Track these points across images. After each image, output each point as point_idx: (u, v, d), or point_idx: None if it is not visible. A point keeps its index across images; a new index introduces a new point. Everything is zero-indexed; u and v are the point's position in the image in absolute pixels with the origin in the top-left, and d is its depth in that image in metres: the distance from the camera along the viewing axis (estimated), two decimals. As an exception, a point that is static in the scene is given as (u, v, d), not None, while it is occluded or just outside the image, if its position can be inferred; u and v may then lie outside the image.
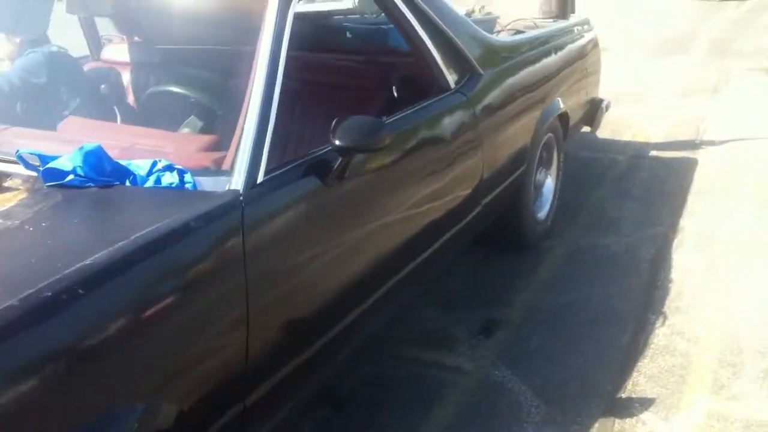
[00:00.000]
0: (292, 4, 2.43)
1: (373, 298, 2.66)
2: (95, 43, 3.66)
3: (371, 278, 2.65)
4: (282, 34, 2.33)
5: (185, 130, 2.68)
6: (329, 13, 3.56)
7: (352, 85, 3.26)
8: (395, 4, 2.99)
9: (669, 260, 4.11)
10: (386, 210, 2.73)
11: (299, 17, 3.51)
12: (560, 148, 4.45)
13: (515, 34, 4.73)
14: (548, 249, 4.27)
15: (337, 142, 2.25)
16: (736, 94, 7.54)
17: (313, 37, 3.44)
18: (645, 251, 4.23)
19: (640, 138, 6.21)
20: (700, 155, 5.74)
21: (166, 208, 1.94)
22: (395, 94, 3.23)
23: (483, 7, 4.45)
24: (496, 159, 3.46)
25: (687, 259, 4.12)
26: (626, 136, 6.26)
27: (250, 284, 1.99)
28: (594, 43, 5.04)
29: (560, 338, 3.40)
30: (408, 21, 3.03)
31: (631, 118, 6.73)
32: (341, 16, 3.62)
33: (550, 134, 4.26)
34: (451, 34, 3.22)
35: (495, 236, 4.05)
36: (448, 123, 3.15)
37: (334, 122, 2.28)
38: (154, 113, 2.83)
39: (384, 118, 2.90)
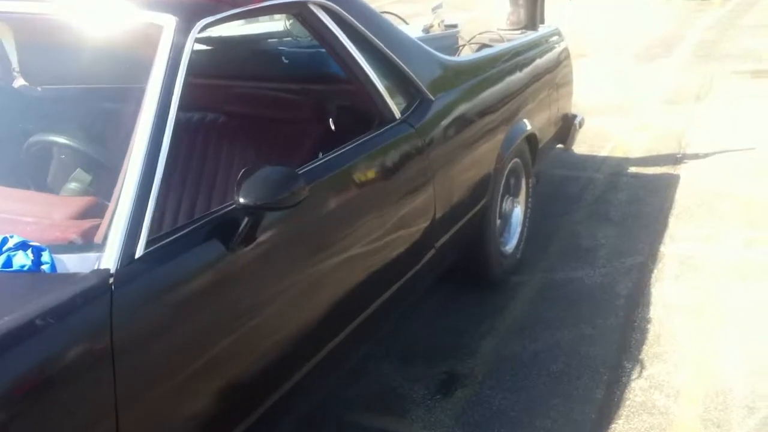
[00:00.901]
0: (191, 34, 2.06)
1: (301, 373, 2.30)
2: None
3: (297, 350, 2.29)
4: (176, 72, 1.96)
5: (72, 185, 2.31)
6: (258, 37, 3.19)
7: (285, 117, 2.90)
8: (326, 27, 2.63)
9: (647, 295, 3.76)
10: (316, 266, 2.37)
11: (222, 42, 3.19)
12: (529, 173, 4.09)
13: (480, 48, 4.40)
14: (517, 285, 3.91)
15: (241, 200, 1.89)
16: (720, 100, 7.21)
17: (239, 64, 3.09)
18: (622, 285, 3.87)
19: (619, 153, 5.86)
20: (682, 171, 5.40)
21: (13, 300, 1.57)
22: (333, 127, 2.86)
23: (443, 21, 4.09)
24: (451, 194, 3.11)
25: (667, 293, 3.77)
26: (605, 151, 5.91)
27: (121, 389, 1.61)
28: (565, 55, 4.69)
29: (527, 395, 3.04)
30: (342, 45, 2.68)
31: (610, 130, 6.40)
32: (274, 40, 3.25)
33: (516, 159, 3.90)
34: (394, 57, 2.86)
35: (458, 273, 3.70)
36: (392, 158, 2.79)
37: (240, 175, 1.92)
38: (33, 166, 2.45)
39: (320, 155, 2.57)
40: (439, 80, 3.13)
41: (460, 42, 4.56)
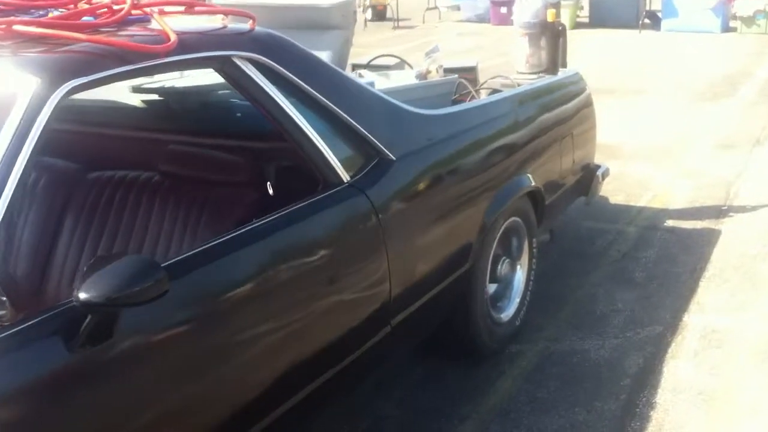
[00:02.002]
0: (52, 100, 1.80)
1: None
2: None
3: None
4: (20, 146, 1.70)
5: None
6: (203, 88, 2.93)
7: (218, 179, 2.62)
8: (255, 83, 2.35)
9: (657, 375, 3.33)
10: (232, 344, 2.09)
11: (163, 92, 2.95)
12: (533, 233, 3.71)
13: (492, 93, 4.08)
14: (514, 356, 3.53)
15: (81, 295, 1.61)
16: (781, 146, 6.67)
17: (178, 117, 2.83)
18: (631, 360, 3.45)
19: (658, 203, 5.40)
20: (724, 226, 4.92)
21: None
22: (271, 191, 2.57)
23: (440, 66, 3.77)
24: (413, 267, 2.78)
25: (681, 373, 3.33)
26: (642, 201, 5.46)
27: None
28: (586, 102, 4.31)
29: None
30: (275, 103, 2.40)
31: (653, 177, 5.95)
32: (225, 91, 2.98)
33: (514, 218, 3.54)
34: (341, 113, 2.57)
35: (441, 345, 3.36)
36: (334, 226, 2.48)
37: (87, 266, 1.65)
38: None
39: (254, 220, 2.29)
40: (403, 137, 2.82)
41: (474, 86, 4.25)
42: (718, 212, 5.16)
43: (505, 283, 3.62)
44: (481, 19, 16.44)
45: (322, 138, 2.49)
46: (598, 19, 15.49)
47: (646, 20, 14.98)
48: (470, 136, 3.16)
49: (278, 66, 2.41)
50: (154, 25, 2.30)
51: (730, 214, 5.12)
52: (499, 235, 3.40)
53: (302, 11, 4.02)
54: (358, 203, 2.54)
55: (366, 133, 2.63)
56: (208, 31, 2.37)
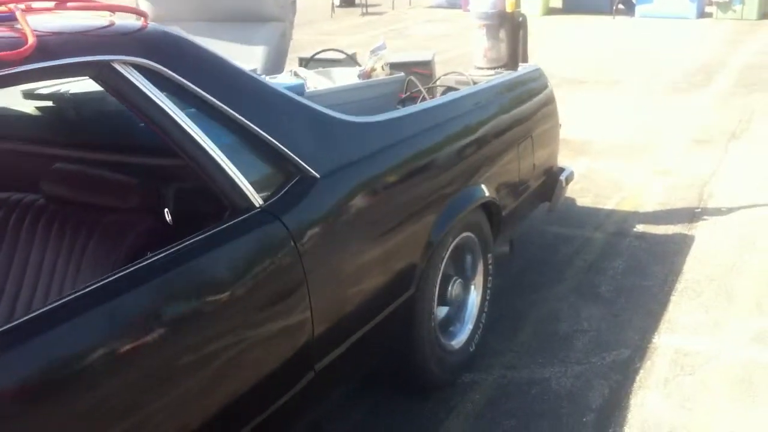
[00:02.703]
0: None
1: None
2: None
3: None
4: None
5: None
6: (87, 96, 2.51)
7: (107, 203, 2.23)
8: (141, 92, 1.96)
9: (624, 409, 3.00)
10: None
11: (38, 97, 2.56)
12: (488, 249, 3.35)
13: (445, 91, 3.71)
14: (467, 388, 3.18)
15: None
16: (757, 140, 6.36)
17: (61, 129, 2.44)
18: (596, 392, 3.11)
19: (628, 206, 5.06)
20: (697, 231, 4.59)
21: None
22: (169, 218, 2.18)
23: (387, 64, 3.39)
24: (340, 300, 2.41)
25: (650, 407, 3.00)
26: (611, 203, 5.12)
27: None
28: (547, 100, 3.95)
29: None
30: (167, 115, 2.01)
31: (624, 175, 5.62)
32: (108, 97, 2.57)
33: (466, 234, 3.18)
34: (251, 125, 2.19)
35: (385, 378, 3.01)
36: (240, 261, 2.11)
37: None
38: None
39: (148, 254, 1.92)
40: (330, 150, 2.44)
41: (430, 82, 3.88)
42: (692, 215, 4.83)
43: (458, 306, 3.27)
44: (452, 5, 16.06)
45: (227, 155, 2.11)
46: (572, 5, 15.17)
47: (620, 6, 14.67)
48: (412, 145, 2.79)
49: (171, 72, 2.03)
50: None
51: (704, 217, 4.80)
52: (448, 253, 3.04)
53: (233, 2, 3.62)
54: (271, 231, 2.17)
55: (282, 147, 2.25)
56: (82, 32, 1.97)
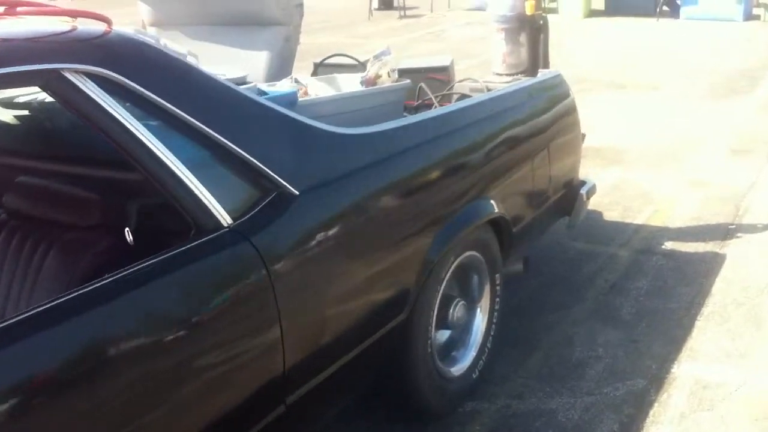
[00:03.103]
0: None
1: None
2: None
3: None
4: None
5: None
6: (47, 107, 2.36)
7: (64, 219, 2.09)
8: (95, 103, 1.81)
9: (636, 448, 2.77)
10: None
11: (14, 106, 2.42)
12: (496, 268, 3.15)
13: (459, 99, 3.52)
14: (467, 418, 2.99)
15: None
16: (800, 152, 6.05)
17: (32, 140, 2.30)
18: (604, 426, 2.90)
19: (658, 220, 4.81)
20: (730, 250, 4.33)
21: None
22: (130, 237, 2.02)
23: (393, 70, 3.20)
24: (317, 328, 2.24)
25: (663, 446, 2.77)
26: (641, 217, 4.87)
27: None
28: (567, 110, 3.73)
29: None
30: (123, 128, 1.85)
31: (656, 187, 5.35)
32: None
33: (471, 253, 2.98)
34: (219, 138, 2.02)
35: (383, 403, 2.83)
36: (203, 286, 1.94)
37: None
38: None
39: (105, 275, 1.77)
40: (312, 164, 2.26)
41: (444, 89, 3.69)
42: (725, 232, 4.57)
43: (461, 329, 3.07)
44: (492, 6, 15.76)
45: (193, 170, 1.95)
46: (614, 7, 14.81)
47: (665, 7, 14.27)
48: (408, 159, 2.60)
49: (131, 81, 1.87)
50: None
51: (738, 234, 4.53)
52: (448, 274, 2.85)
53: (233, 5, 3.47)
54: (239, 252, 2.00)
55: (255, 161, 2.08)
56: (33, 39, 1.83)
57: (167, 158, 1.90)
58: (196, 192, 1.94)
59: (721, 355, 3.31)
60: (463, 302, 2.99)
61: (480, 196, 2.96)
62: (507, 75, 3.90)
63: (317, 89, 3.18)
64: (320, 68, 4.11)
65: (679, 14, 14.03)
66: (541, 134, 3.45)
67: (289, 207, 2.14)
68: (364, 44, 11.29)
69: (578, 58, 10.32)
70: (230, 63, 3.40)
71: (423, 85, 3.60)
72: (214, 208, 1.98)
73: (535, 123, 3.44)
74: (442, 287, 2.83)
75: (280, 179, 2.13)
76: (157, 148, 1.89)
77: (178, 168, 1.92)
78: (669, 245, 4.43)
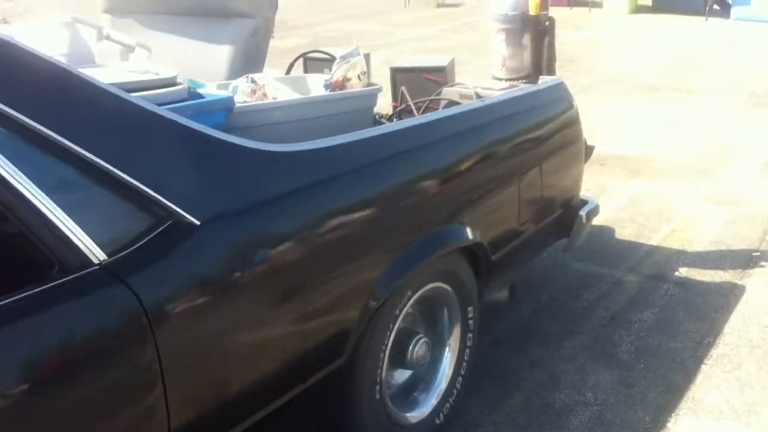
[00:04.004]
0: None
1: None
2: None
3: None
4: None
5: None
6: None
7: None
8: None
9: None
10: None
11: None
12: (468, 301, 2.78)
13: (447, 106, 3.16)
14: (424, 471, 2.62)
15: None
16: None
17: None
18: (581, 493, 2.51)
19: (675, 242, 4.38)
20: (751, 281, 3.90)
21: None
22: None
23: (364, 73, 2.84)
24: (219, 387, 1.89)
25: None
26: (657, 238, 4.45)
27: None
28: (566, 123, 3.33)
29: None
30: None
31: (678, 203, 4.92)
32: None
33: (436, 285, 2.62)
34: (89, 155, 1.68)
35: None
36: (64, 339, 1.61)
37: None
38: None
39: None
40: (223, 188, 1.92)
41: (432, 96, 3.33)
42: (748, 260, 4.13)
43: (425, 369, 2.70)
44: (534, -2, 15.25)
45: (53, 195, 1.61)
46: (662, 3, 14.21)
47: (715, 6, 13.63)
48: (353, 182, 2.24)
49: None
50: None
51: (762, 263, 4.09)
52: (405, 310, 2.49)
53: (192, -7, 3.14)
54: (110, 296, 1.66)
55: (141, 185, 1.74)
56: None
57: (13, 178, 1.56)
58: (57, 221, 1.61)
59: (727, 409, 2.90)
60: (425, 339, 2.63)
61: (450, 222, 2.60)
62: (507, 80, 3.50)
63: (277, 92, 2.83)
64: (308, 64, 3.78)
65: (729, 14, 13.38)
66: (531, 150, 3.08)
67: (186, 240, 1.80)
68: (394, 33, 10.91)
69: (615, 57, 9.84)
70: (188, 58, 3.09)
71: (404, 89, 3.23)
72: (81, 241, 1.64)
73: (526, 138, 3.07)
74: (396, 325, 2.47)
75: (174, 206, 1.78)
76: (9, 170, 1.56)
77: (32, 192, 1.58)
78: (683, 272, 4.01)
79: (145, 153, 1.78)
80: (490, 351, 3.25)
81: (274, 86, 2.86)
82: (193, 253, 1.81)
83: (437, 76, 3.74)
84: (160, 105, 2.20)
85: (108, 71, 2.35)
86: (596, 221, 4.44)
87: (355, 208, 2.22)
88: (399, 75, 3.80)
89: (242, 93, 2.84)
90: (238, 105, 2.47)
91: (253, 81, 2.85)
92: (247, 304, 1.92)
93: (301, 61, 3.76)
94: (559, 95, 3.35)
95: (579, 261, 4.10)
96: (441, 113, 2.75)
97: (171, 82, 2.31)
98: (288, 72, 3.47)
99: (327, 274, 2.13)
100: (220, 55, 3.09)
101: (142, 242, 1.74)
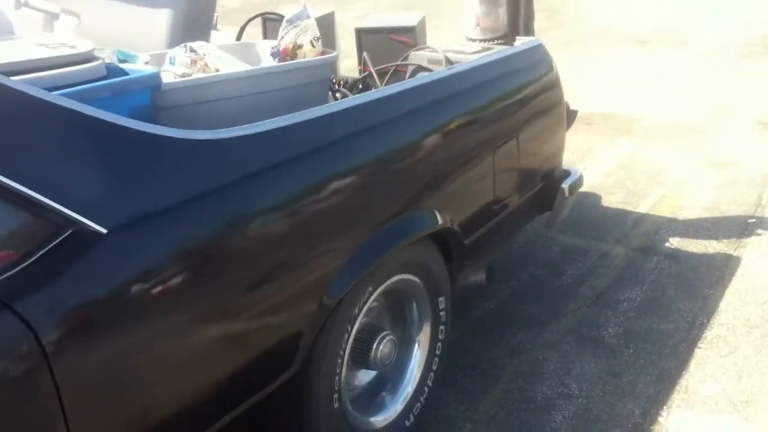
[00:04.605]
0: None
1: None
2: None
3: None
4: None
5: None
6: None
7: None
8: None
9: None
10: None
11: None
12: (439, 291, 2.52)
13: (415, 72, 2.88)
14: (392, 480, 2.38)
15: None
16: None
17: None
18: (564, 502, 2.27)
19: (665, 209, 4.12)
20: (746, 251, 3.65)
21: None
22: None
23: (317, 38, 2.53)
24: (131, 416, 1.62)
25: None
26: (645, 205, 4.18)
27: None
28: (546, 87, 3.04)
29: None
30: None
31: (668, 166, 4.66)
32: None
33: (403, 277, 2.36)
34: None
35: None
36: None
37: None
38: None
39: None
40: (136, 188, 1.62)
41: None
42: (743, 228, 3.87)
43: (392, 367, 2.44)
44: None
45: None
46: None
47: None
48: (298, 170, 1.95)
49: None
50: None
51: (759, 231, 3.84)
52: (366, 307, 2.22)
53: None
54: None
55: (26, 189, 1.44)
56: None
57: None
58: None
59: (723, 400, 2.66)
60: (391, 337, 2.36)
61: (415, 207, 2.32)
62: (481, 41, 3.19)
63: (220, 62, 2.52)
64: (269, 27, 3.45)
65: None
66: (506, 121, 2.79)
67: (89, 252, 1.52)
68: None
69: (599, 6, 9.46)
70: (124, 25, 2.77)
71: (366, 55, 2.93)
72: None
73: (501, 108, 2.78)
74: (356, 325, 2.21)
75: (73, 214, 1.50)
76: None
77: None
78: (674, 243, 3.75)
79: (32, 150, 1.49)
80: (467, 340, 3.01)
81: (216, 55, 2.55)
82: (100, 267, 1.53)
83: (406, 37, 3.42)
84: (72, 85, 1.93)
85: (13, 45, 2.03)
86: (584, 187, 4.18)
87: (299, 200, 1.93)
88: (365, 36, 3.47)
89: (181, 64, 2.53)
90: (167, 81, 2.16)
91: (192, 50, 2.53)
92: (170, 321, 1.64)
93: (260, 23, 3.44)
94: (538, 58, 3.06)
95: (562, 233, 3.84)
96: (403, 85, 2.44)
97: (86, 58, 2.00)
98: (239, 37, 3.15)
99: (268, 278, 1.86)
100: (159, 20, 2.77)
101: (32, 259, 1.45)
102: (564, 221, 3.52)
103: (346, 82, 3.01)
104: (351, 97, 2.47)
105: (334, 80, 2.96)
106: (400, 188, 2.27)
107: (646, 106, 5.76)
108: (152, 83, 2.04)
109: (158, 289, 1.61)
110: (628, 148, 5.00)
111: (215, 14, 3.71)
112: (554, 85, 3.08)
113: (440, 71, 2.68)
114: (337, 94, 2.86)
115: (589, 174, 4.54)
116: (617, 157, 4.85)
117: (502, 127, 2.75)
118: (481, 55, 2.91)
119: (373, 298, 2.25)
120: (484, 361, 2.90)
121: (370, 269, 2.15)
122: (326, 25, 3.41)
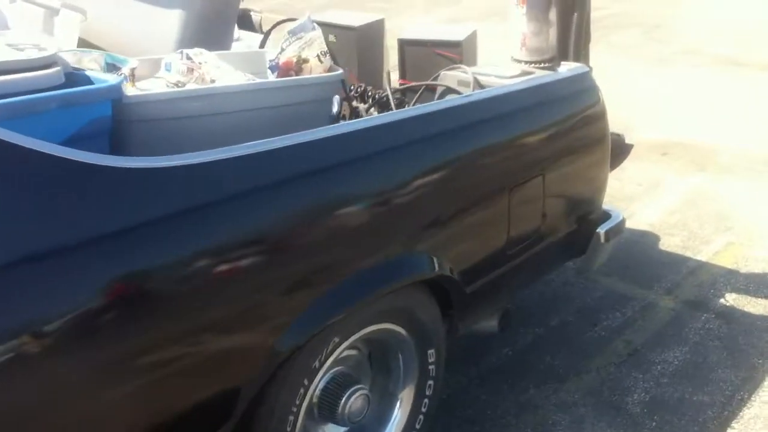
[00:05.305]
0: None
1: None
2: None
3: None
4: None
5: None
6: None
7: None
8: None
9: None
10: None
11: None
12: (428, 343, 2.27)
13: (443, 94, 2.65)
14: None
15: None
16: None
17: None
18: None
19: (728, 258, 3.74)
20: (812, 317, 3.24)
21: None
22: None
23: (324, 52, 2.30)
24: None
25: None
26: (708, 251, 3.81)
27: None
28: (588, 121, 2.74)
29: None
30: None
31: (743, 205, 4.28)
32: None
33: (384, 326, 2.13)
34: None
35: None
36: None
37: None
38: None
39: None
40: (48, 222, 1.44)
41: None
42: (813, 287, 3.46)
43: (366, 424, 2.21)
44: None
45: None
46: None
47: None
48: (262, 204, 1.74)
49: None
50: None
51: (831, 293, 3.42)
52: (329, 361, 2.00)
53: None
54: None
55: None
56: None
57: None
58: None
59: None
60: (364, 392, 2.13)
61: (403, 249, 2.09)
62: (526, 63, 2.89)
63: (218, 73, 2.34)
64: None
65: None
66: (530, 157, 2.51)
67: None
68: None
69: (694, 25, 8.86)
70: (133, 24, 2.61)
71: (388, 73, 2.67)
72: None
73: (523, 143, 2.49)
74: (318, 378, 1.98)
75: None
76: None
77: None
78: (730, 299, 3.38)
79: None
80: (473, 389, 2.75)
81: (214, 65, 2.36)
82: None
83: (451, 52, 3.16)
84: (25, 93, 1.77)
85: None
86: (642, 225, 3.85)
87: (250, 237, 1.72)
88: (408, 48, 3.23)
89: (177, 72, 2.36)
90: (132, 94, 1.98)
91: (188, 57, 2.35)
92: (84, 368, 1.46)
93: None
94: (583, 87, 2.76)
95: (607, 276, 3.52)
96: (406, 112, 2.20)
97: (45, 63, 1.83)
98: (262, 45, 2.94)
99: (199, 323, 1.65)
100: (169, 21, 2.59)
101: None
102: (611, 260, 3.20)
103: (364, 92, 2.76)
104: (338, 124, 2.22)
105: (352, 87, 2.73)
106: (386, 228, 2.03)
107: (729, 136, 5.32)
108: (111, 96, 1.85)
109: (74, 331, 1.43)
110: (700, 184, 4.60)
111: (259, 16, 3.53)
112: (598, 119, 2.77)
113: (455, 98, 2.43)
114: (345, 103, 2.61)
115: (652, 210, 4.20)
116: (686, 192, 4.46)
117: (523, 164, 2.47)
118: (516, 80, 2.63)
119: (340, 350, 2.02)
120: (484, 417, 2.64)
121: (338, 318, 1.92)
122: (374, 34, 3.19)
